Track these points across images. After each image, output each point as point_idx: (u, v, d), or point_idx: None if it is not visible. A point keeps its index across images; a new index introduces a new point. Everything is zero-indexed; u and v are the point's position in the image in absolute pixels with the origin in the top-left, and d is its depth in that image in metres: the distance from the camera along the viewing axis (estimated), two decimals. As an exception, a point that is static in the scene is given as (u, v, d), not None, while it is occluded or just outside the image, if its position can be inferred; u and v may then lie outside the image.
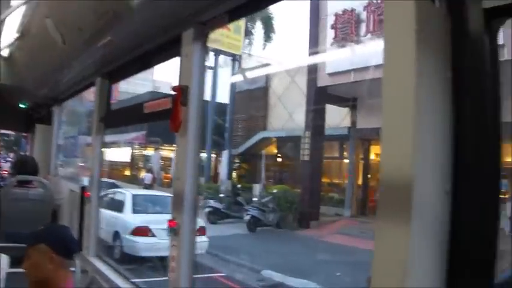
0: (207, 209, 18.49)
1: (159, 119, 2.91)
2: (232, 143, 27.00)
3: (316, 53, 19.69)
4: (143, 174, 30.46)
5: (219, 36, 25.59)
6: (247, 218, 17.74)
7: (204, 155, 25.73)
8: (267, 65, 26.93)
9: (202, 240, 11.46)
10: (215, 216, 17.74)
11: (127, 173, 35.76)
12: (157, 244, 11.32)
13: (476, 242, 1.28)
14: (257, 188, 23.29)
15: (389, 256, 1.27)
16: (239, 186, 23.60)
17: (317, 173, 20.90)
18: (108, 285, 3.68)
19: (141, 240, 12.08)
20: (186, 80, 2.61)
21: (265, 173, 25.07)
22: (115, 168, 34.67)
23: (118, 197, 14.06)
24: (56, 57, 4.06)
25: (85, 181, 4.77)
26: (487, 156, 1.29)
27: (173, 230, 2.62)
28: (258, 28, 27.98)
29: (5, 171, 13.73)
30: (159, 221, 11.27)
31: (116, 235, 12.53)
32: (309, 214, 18.76)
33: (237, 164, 28.33)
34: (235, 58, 27.54)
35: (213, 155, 28.92)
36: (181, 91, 2.57)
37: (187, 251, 2.61)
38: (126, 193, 14.35)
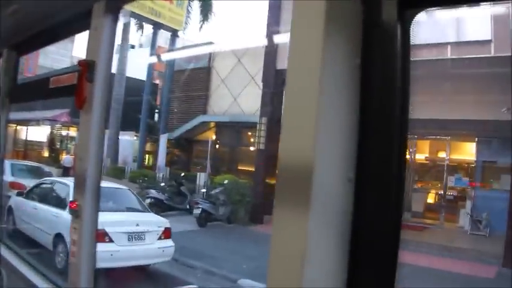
0: (148, 200, 16.36)
1: (65, 94, 2.75)
2: (167, 126, 25.32)
3: (276, 33, 18.03)
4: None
5: (159, 9, 24.50)
6: (197, 212, 15.94)
7: (132, 138, 25.05)
8: (210, 43, 24.78)
9: (167, 245, 9.71)
10: (157, 208, 15.41)
11: (46, 154, 33.24)
12: (116, 253, 8.79)
13: (379, 232, 1.26)
14: (201, 178, 21.07)
15: (287, 245, 1.24)
16: (183, 174, 21.17)
17: (273, 163, 18.62)
18: (6, 269, 3.49)
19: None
20: (93, 54, 2.47)
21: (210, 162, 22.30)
22: (32, 149, 33.36)
23: (58, 189, 11.01)
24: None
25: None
26: (391, 145, 1.28)
27: (74, 212, 2.48)
28: (195, 7, 26.57)
29: None
30: (116, 222, 9.09)
31: (59, 239, 9.33)
32: (263, 208, 16.90)
33: (168, 150, 26.41)
34: (175, 34, 26.18)
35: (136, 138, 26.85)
36: (88, 66, 2.42)
37: (89, 234, 2.49)
38: (70, 184, 10.54)
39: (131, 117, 24.92)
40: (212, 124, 25.10)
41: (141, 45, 35.36)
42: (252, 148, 20.92)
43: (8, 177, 12.56)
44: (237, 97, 23.11)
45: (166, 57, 26.65)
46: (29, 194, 11.62)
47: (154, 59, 26.35)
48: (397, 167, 1.28)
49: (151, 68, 26.57)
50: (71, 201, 2.51)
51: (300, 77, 1.27)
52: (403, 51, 1.29)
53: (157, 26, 25.50)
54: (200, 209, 15.94)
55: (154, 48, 26.31)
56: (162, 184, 19.57)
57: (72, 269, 2.54)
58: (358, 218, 1.27)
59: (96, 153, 2.46)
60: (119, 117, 24.60)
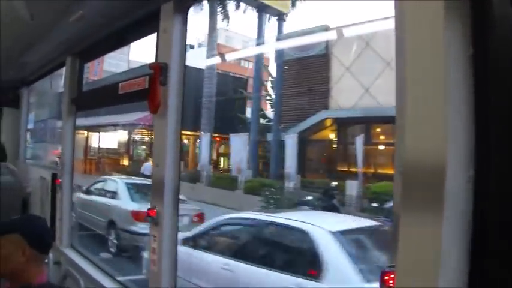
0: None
1: (136, 100, 2.70)
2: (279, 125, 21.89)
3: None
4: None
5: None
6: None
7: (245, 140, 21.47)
8: (324, 27, 20.77)
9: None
10: None
11: (123, 162, 30.71)
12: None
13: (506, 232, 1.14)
14: (352, 187, 16.13)
15: (420, 253, 1.15)
16: (334, 184, 16.50)
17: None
18: (82, 277, 3.48)
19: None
20: (165, 57, 2.40)
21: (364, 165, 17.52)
22: (107, 157, 31.01)
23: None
24: (23, 35, 3.81)
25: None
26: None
27: (153, 219, 2.42)
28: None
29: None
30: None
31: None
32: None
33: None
34: (282, 17, 23.18)
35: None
36: (160, 69, 2.35)
37: (169, 243, 2.43)
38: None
39: (224, 117, 23.74)
40: (329, 121, 21.50)
41: (200, 45, 34.41)
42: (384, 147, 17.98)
43: (127, 204, 10.80)
44: (370, 87, 19.09)
45: (274, 46, 23.73)
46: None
47: (263, 49, 24.17)
48: None
49: (260, 60, 24.10)
50: (149, 209, 2.45)
51: (420, 73, 1.19)
52: None
53: (261, 8, 22.91)
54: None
55: (261, 37, 23.81)
56: (309, 198, 14.71)
57: (152, 278, 2.50)
58: (481, 218, 1.16)
59: (174, 159, 2.40)
60: (212, 118, 23.50)
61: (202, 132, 23.20)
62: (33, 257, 2.17)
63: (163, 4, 2.45)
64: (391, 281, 1.25)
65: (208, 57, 23.99)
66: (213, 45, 24.34)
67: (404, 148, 1.18)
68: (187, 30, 2.44)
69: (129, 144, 30.61)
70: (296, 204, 13.78)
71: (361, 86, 19.24)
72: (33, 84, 5.81)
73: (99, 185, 13.21)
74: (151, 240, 2.49)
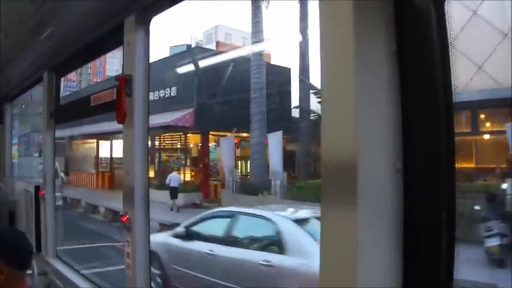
0: (492, 241, 8.30)
1: (106, 111, 2.79)
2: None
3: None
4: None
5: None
6: None
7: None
8: None
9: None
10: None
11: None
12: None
13: (433, 223, 1.22)
14: None
15: (337, 245, 1.21)
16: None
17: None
18: (67, 287, 3.56)
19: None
20: (129, 69, 2.49)
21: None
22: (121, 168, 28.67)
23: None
24: (0, 52, 3.89)
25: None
26: (438, 131, 1.23)
27: (125, 225, 2.52)
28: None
29: None
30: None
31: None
32: None
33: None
34: None
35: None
36: (125, 81, 2.45)
37: (142, 247, 2.52)
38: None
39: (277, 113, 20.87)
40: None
41: (197, 44, 32.27)
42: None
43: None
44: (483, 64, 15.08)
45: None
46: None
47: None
48: (446, 154, 1.23)
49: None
50: (121, 215, 2.54)
51: (335, 68, 1.24)
52: (440, 31, 1.24)
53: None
54: None
55: (305, 21, 21.61)
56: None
57: (128, 281, 2.58)
58: (409, 210, 1.23)
59: (142, 167, 2.49)
60: (264, 113, 20.05)
61: (251, 132, 20.31)
62: (13, 274, 2.23)
63: (126, 18, 2.55)
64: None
65: (253, 42, 21.20)
66: (257, 29, 20.72)
67: (322, 146, 1.24)
68: (150, 42, 2.54)
69: (153, 151, 26.62)
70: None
71: (473, 63, 14.90)
72: (16, 99, 5.88)
73: (215, 225, 8.30)
74: (125, 245, 2.59)
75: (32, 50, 3.61)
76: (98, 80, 29.51)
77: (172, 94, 23.54)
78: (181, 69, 22.48)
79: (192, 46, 30.64)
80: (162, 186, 20.92)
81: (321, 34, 1.28)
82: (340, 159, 1.19)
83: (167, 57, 26.04)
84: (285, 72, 23.07)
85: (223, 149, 21.31)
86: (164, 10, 2.45)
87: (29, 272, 3.15)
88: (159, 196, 19.40)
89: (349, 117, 1.18)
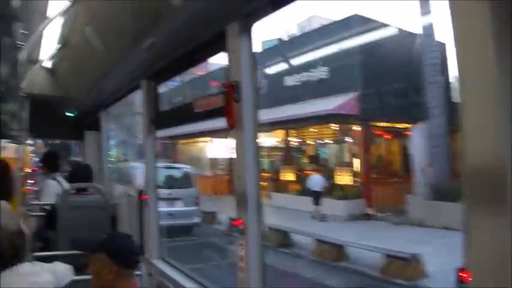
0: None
1: (211, 117, 2.84)
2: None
3: None
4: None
5: None
6: None
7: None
8: None
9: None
10: None
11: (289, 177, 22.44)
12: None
13: None
14: None
15: (490, 253, 1.18)
16: None
17: None
18: (174, 287, 3.67)
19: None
20: (236, 75, 2.53)
21: None
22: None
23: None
24: (99, 63, 4.06)
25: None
26: None
27: (239, 229, 2.56)
28: None
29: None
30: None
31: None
32: None
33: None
34: None
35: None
36: (232, 87, 2.49)
37: (256, 250, 2.56)
38: None
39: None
40: None
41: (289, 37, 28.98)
42: None
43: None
44: None
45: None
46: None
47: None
48: None
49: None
50: (234, 220, 2.59)
51: (475, 73, 1.21)
52: None
53: None
54: None
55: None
56: None
57: (241, 284, 2.62)
58: None
59: (253, 171, 2.52)
60: (443, 99, 16.64)
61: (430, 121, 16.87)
62: (120, 273, 2.39)
63: (228, 25, 2.58)
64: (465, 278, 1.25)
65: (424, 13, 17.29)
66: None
67: (466, 152, 1.22)
68: (253, 48, 2.56)
69: (290, 150, 23.24)
70: None
71: None
72: (110, 106, 6.13)
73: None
74: (238, 249, 2.63)
75: (130, 60, 3.73)
76: (202, 73, 28.09)
77: (322, 76, 19.37)
78: (336, 46, 18.31)
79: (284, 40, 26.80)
80: (304, 191, 18.73)
81: (455, 34, 1.25)
82: (487, 164, 1.17)
83: (308, 33, 22.85)
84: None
85: (414, 141, 17.32)
86: (266, 16, 2.46)
87: (137, 272, 3.28)
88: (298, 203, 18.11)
89: (495, 122, 1.16)
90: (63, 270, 2.98)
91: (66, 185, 5.62)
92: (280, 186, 21.92)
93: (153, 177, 4.24)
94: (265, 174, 21.59)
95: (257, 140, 2.54)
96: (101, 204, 4.85)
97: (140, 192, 4.32)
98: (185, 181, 16.57)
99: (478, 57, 1.19)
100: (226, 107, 2.54)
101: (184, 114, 3.47)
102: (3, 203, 3.84)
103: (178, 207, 15.35)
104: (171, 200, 14.99)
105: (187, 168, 17.92)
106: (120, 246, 2.50)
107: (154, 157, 4.24)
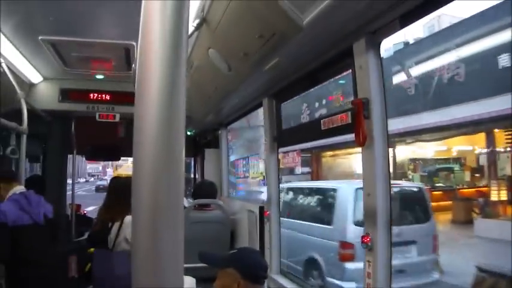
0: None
1: (339, 134, 2.88)
2: None
3: None
4: None
5: None
6: None
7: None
8: None
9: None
10: None
11: None
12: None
13: None
14: None
15: None
16: None
17: None
18: None
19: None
20: (364, 92, 2.55)
21: None
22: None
23: None
24: (222, 84, 4.23)
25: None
26: None
27: (367, 245, 2.56)
28: None
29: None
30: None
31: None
32: None
33: None
34: None
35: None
36: (362, 104, 2.51)
37: (384, 268, 2.54)
38: None
39: None
40: None
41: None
42: None
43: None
44: None
45: None
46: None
47: None
48: None
49: None
50: (363, 236, 2.59)
51: None
52: None
53: None
54: None
55: None
56: None
57: None
58: None
59: (384, 188, 2.52)
60: None
61: None
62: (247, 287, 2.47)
63: (355, 42, 2.62)
64: None
65: None
66: None
67: None
68: (382, 65, 2.57)
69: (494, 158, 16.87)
70: None
71: None
72: (230, 124, 6.36)
73: None
74: (366, 265, 2.62)
75: (253, 80, 3.85)
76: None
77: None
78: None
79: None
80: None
81: None
82: None
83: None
84: None
85: None
86: (394, 32, 2.46)
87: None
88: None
89: None
90: (189, 281, 3.17)
91: (186, 201, 5.90)
92: (488, 208, 15.94)
93: (276, 193, 4.34)
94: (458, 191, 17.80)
95: (387, 158, 2.54)
96: (221, 220, 5.03)
97: (262, 208, 4.43)
98: (418, 210, 9.89)
99: None
100: (355, 124, 2.56)
101: (309, 131, 3.53)
102: (129, 217, 4.13)
103: (411, 256, 8.95)
104: (402, 244, 8.61)
105: (417, 187, 11.33)
106: (249, 262, 2.59)
107: (277, 174, 4.34)
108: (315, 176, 25.33)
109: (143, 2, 0.77)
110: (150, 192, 0.71)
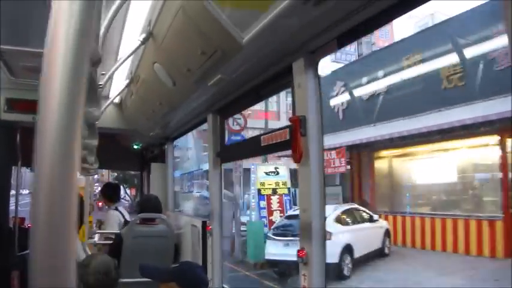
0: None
1: (278, 150, 2.94)
2: None
3: None
4: None
5: None
6: None
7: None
8: None
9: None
10: None
11: None
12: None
13: None
14: None
15: None
16: None
17: None
18: None
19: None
20: (302, 110, 2.62)
21: None
22: None
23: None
24: (166, 99, 4.24)
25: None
26: None
27: (302, 259, 2.61)
28: None
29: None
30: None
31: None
32: None
33: None
34: None
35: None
36: (299, 122, 2.57)
37: (319, 281, 2.60)
38: None
39: None
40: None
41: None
42: None
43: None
44: None
45: None
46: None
47: None
48: None
49: None
50: (298, 250, 2.64)
51: None
52: None
53: None
54: None
55: None
56: None
57: None
58: None
59: (319, 204, 2.58)
60: None
61: None
62: None
63: (295, 61, 2.69)
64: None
65: None
66: None
67: None
68: (320, 83, 2.65)
69: None
70: None
71: None
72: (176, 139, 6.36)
73: None
74: (301, 279, 2.68)
75: (197, 96, 3.88)
76: (385, 44, 24.09)
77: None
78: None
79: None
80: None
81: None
82: None
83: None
84: None
85: None
86: (331, 53, 2.55)
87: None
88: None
89: None
90: None
91: (128, 215, 5.85)
92: None
93: (218, 208, 4.36)
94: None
95: (322, 174, 2.60)
96: (165, 234, 5.01)
97: (204, 223, 4.44)
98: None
99: None
100: (293, 141, 2.62)
101: (251, 147, 3.58)
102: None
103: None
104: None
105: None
106: (192, 277, 2.60)
107: (220, 189, 4.36)
108: (356, 195, 19.35)
109: (52, 4, 0.74)
110: (45, 202, 0.72)
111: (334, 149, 17.59)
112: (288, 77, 2.79)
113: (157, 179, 6.72)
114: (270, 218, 17.67)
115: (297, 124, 2.57)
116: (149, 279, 2.76)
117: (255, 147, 3.27)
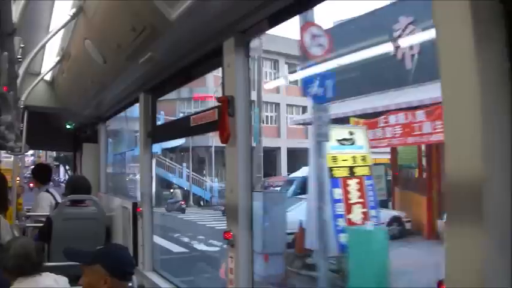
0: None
1: (207, 131, 2.90)
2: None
3: None
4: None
5: None
6: None
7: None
8: None
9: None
10: None
11: None
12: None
13: None
14: None
15: (463, 261, 1.19)
16: None
17: None
18: None
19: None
20: (230, 90, 2.58)
21: None
22: None
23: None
24: (98, 76, 4.12)
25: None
26: None
27: (229, 241, 2.60)
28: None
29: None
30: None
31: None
32: None
33: None
34: None
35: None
36: (227, 102, 2.54)
37: (246, 263, 2.59)
38: None
39: None
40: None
41: None
42: None
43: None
44: None
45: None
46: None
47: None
48: None
49: None
50: (224, 232, 2.62)
51: (457, 84, 1.21)
52: None
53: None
54: None
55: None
56: None
57: None
58: None
59: (245, 185, 2.56)
60: None
61: None
62: (114, 284, 2.43)
63: (225, 41, 2.65)
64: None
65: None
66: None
67: (447, 163, 1.23)
68: (249, 63, 2.62)
69: None
70: None
71: None
72: (109, 119, 6.19)
73: None
74: (228, 261, 2.67)
75: (129, 74, 3.78)
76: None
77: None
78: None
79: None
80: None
81: (438, 41, 1.27)
82: (465, 176, 1.18)
83: None
84: None
85: None
86: (263, 32, 2.52)
87: (129, 285, 3.31)
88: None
89: (473, 134, 1.16)
90: (62, 281, 3.05)
91: (59, 197, 5.68)
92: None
93: (149, 189, 4.28)
94: None
95: (250, 155, 2.58)
96: (96, 216, 4.89)
97: (135, 205, 4.36)
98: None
99: (460, 65, 1.20)
100: (220, 121, 2.59)
101: (181, 127, 3.52)
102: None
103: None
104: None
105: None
106: (116, 258, 2.54)
107: (150, 170, 4.28)
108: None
109: None
110: None
111: (413, 108, 12.97)
112: (219, 57, 2.74)
113: (90, 159, 6.55)
114: (349, 216, 10.37)
115: (225, 104, 2.54)
116: (77, 263, 2.68)
117: (185, 128, 3.22)
